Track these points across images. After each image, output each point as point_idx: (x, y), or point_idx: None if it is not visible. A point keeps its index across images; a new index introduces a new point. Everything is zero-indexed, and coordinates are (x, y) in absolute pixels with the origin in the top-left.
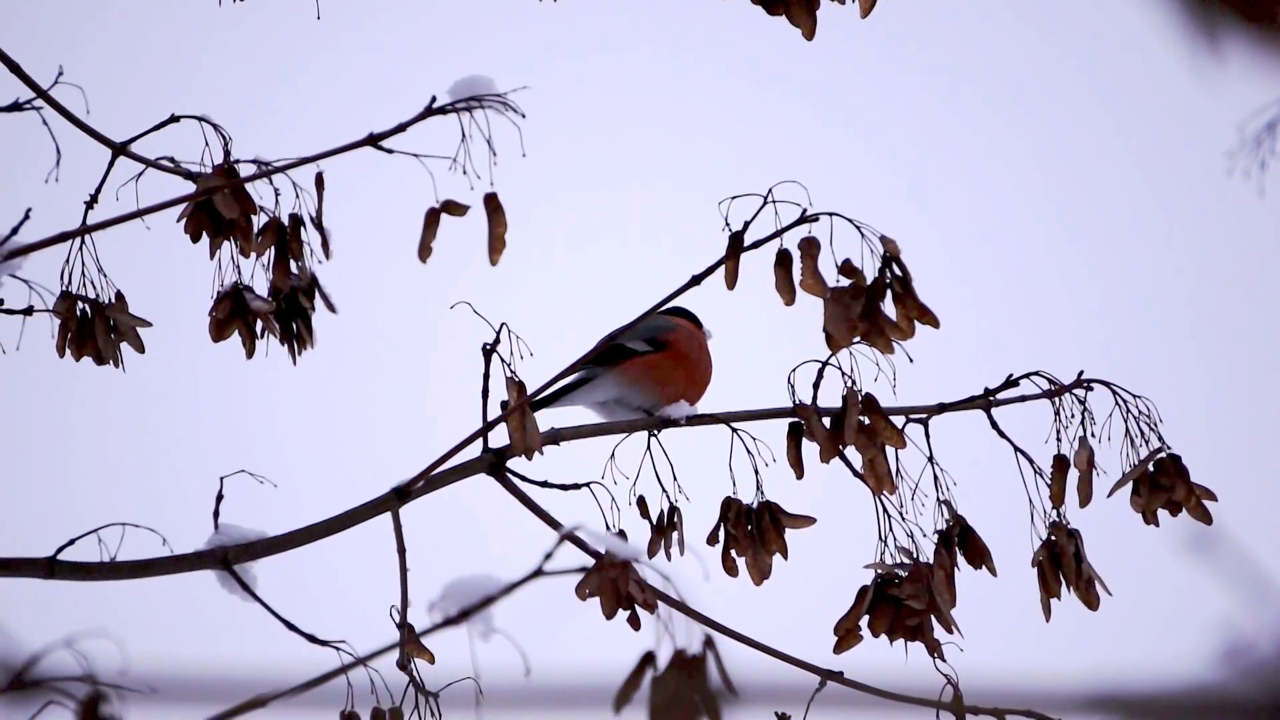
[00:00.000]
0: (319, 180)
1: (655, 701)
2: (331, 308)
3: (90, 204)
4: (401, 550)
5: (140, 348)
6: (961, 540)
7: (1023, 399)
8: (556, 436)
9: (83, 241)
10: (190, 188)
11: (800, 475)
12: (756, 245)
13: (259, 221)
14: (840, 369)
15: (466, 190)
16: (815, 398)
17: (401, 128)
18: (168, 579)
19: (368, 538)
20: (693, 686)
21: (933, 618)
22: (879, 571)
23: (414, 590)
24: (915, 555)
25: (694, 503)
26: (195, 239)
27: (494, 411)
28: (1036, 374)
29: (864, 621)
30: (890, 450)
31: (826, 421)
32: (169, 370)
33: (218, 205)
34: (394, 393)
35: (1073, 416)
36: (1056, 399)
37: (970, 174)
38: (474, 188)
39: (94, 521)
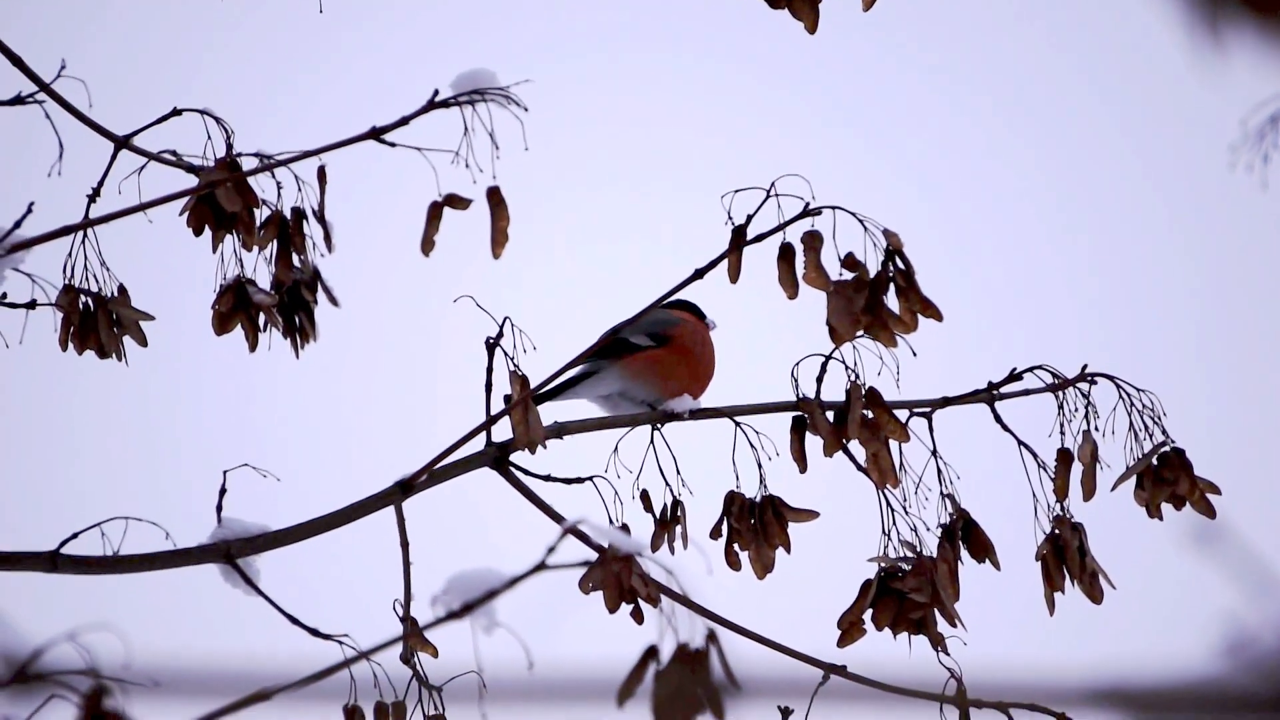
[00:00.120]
0: (321, 174)
1: (658, 695)
2: (334, 301)
3: (93, 198)
4: (405, 544)
5: (143, 341)
6: (965, 534)
7: (1026, 393)
8: (560, 430)
9: (85, 235)
10: (193, 181)
11: (803, 469)
12: (759, 239)
13: (261, 215)
14: (843, 363)
15: (469, 184)
16: (819, 391)
17: (404, 121)
18: (171, 573)
19: (371, 531)
20: (696, 681)
21: (936, 612)
22: (882, 565)
23: (417, 584)
24: (919, 549)
25: (697, 497)
26: (198, 232)
27: (497, 405)
28: (1040, 368)
29: (867, 615)
30: (894, 444)
31: (830, 415)
32: (172, 364)
33: (220, 199)
34: (397, 386)
35: (1076, 410)
36: (1060, 393)
37: (973, 167)
38: (476, 181)
39: (97, 515)
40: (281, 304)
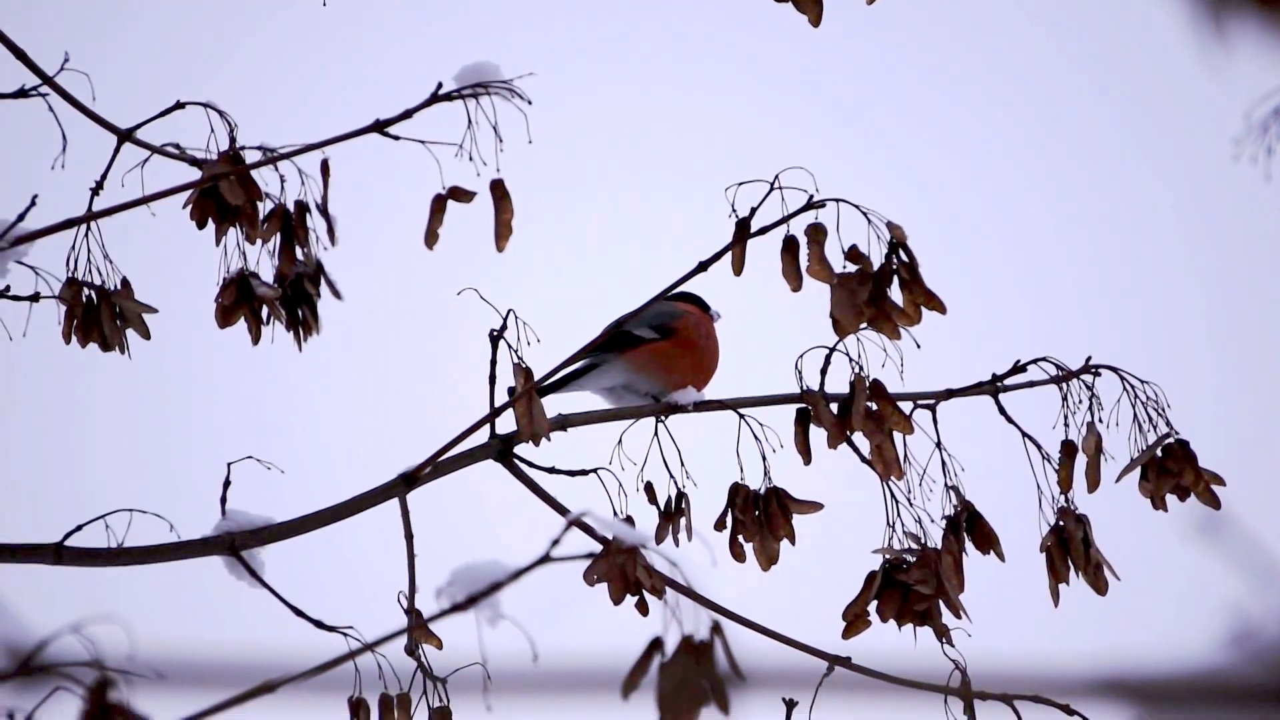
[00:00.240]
0: (325, 167)
1: (663, 687)
2: (337, 294)
3: (96, 190)
4: (409, 536)
5: (146, 334)
6: (969, 525)
7: (1030, 385)
8: (564, 422)
9: (88, 228)
10: (196, 174)
11: (808, 461)
12: (763, 231)
13: (265, 208)
14: (847, 355)
15: (473, 177)
16: (823, 383)
17: (408, 114)
18: (175, 565)
19: (375, 524)
20: (700, 672)
21: (941, 603)
22: (887, 557)
23: (422, 576)
24: (923, 541)
25: (701, 488)
26: (201, 225)
27: (501, 398)
28: (1044, 360)
29: (872, 607)
30: (898, 436)
31: (834, 407)
32: (175, 357)
33: (223, 192)
34: (401, 379)
35: (1080, 402)
36: (1064, 385)
37: (976, 160)
38: (480, 174)
39: (101, 507)
40: (284, 297)
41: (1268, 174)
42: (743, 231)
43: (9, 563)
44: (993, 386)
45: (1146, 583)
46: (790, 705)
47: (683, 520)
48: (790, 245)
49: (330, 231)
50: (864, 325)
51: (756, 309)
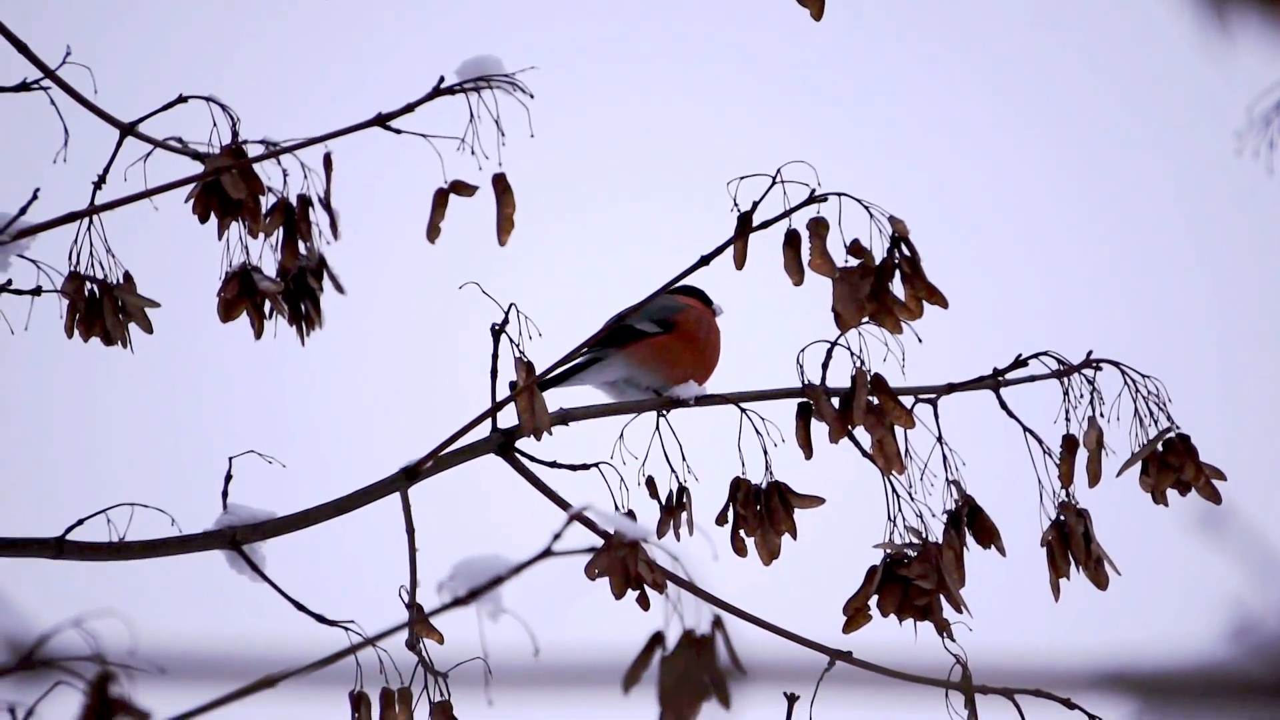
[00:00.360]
0: (327, 161)
1: (664, 681)
2: (340, 288)
3: (98, 184)
4: (410, 530)
5: (148, 328)
6: (970, 520)
7: (1031, 379)
8: (565, 417)
9: (91, 222)
10: (198, 168)
11: (809, 455)
12: (765, 225)
13: (267, 202)
14: (849, 349)
15: (475, 171)
16: (824, 378)
17: (410, 108)
18: (176, 559)
19: (376, 518)
20: (702, 666)
21: (942, 597)
22: (888, 551)
23: (423, 570)
24: (924, 535)
25: (703, 483)
26: (203, 219)
27: (503, 392)
28: (1045, 354)
29: (873, 601)
30: (899, 430)
31: (835, 401)
32: (177, 351)
33: (226, 186)
34: (403, 373)
35: (1081, 396)
36: (1065, 379)
37: (978, 154)
38: (482, 168)
39: (103, 502)
40: (287, 291)
41: (1270, 168)
42: (745, 226)
43: (10, 556)
44: (994, 381)
45: (1147, 577)
46: (791, 700)
47: (684, 515)
48: (792, 239)
49: (333, 225)
50: (866, 319)
51: (758, 303)
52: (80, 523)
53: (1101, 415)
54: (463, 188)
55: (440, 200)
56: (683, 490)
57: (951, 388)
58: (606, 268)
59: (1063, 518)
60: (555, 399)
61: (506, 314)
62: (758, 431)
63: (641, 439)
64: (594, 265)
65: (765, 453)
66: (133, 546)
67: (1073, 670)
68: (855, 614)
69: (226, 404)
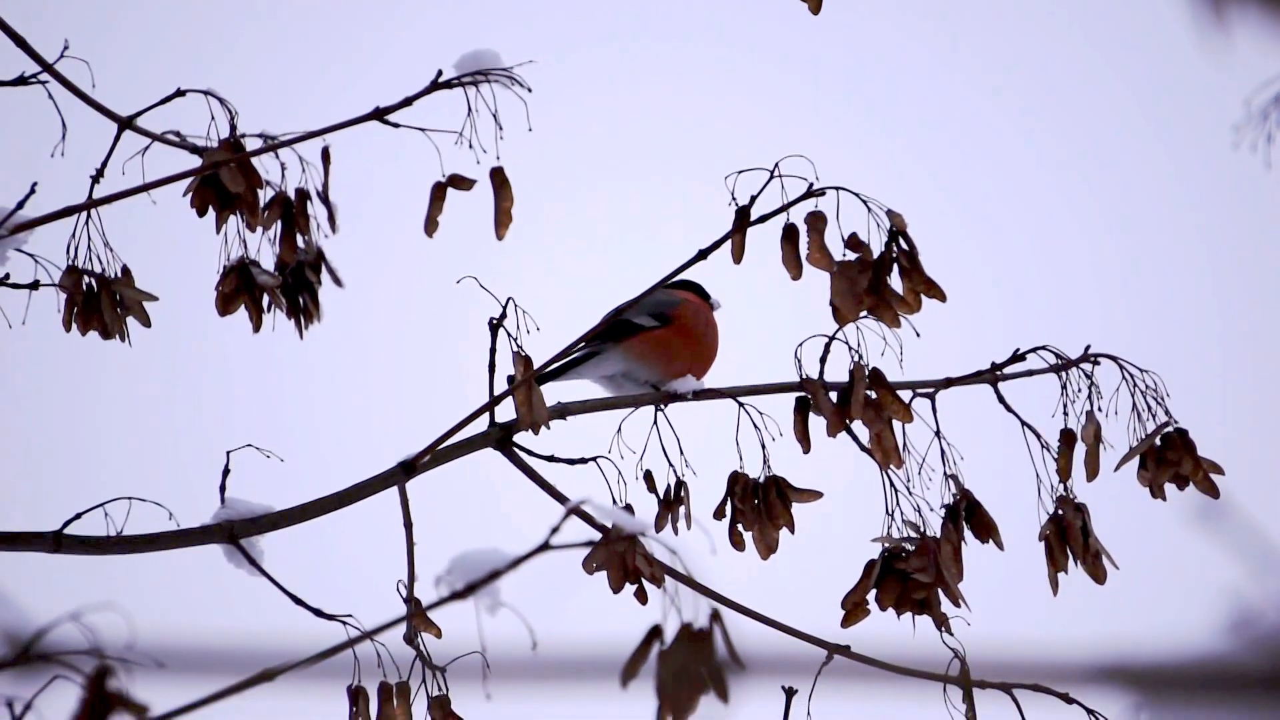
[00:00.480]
0: (325, 154)
1: (662, 675)
2: (338, 282)
3: (96, 178)
4: (408, 524)
5: (146, 322)
6: (969, 514)
7: (1030, 373)
8: (563, 411)
9: (89, 216)
10: (196, 162)
11: (807, 449)
12: (763, 219)
13: (265, 196)
14: (847, 343)
15: (473, 165)
16: (822, 372)
17: (408, 102)
18: (174, 553)
19: (374, 512)
20: (700, 660)
21: (940, 591)
22: (886, 545)
23: (421, 564)
24: (922, 529)
25: (701, 477)
26: (201, 213)
27: (500, 386)
28: (1043, 348)
29: (871, 595)
30: (897, 424)
31: (833, 396)
32: (175, 345)
33: (224, 179)
34: (401, 367)
35: (1080, 391)
36: (1063, 373)
37: (975, 148)
38: (480, 162)
39: (101, 496)
40: (285, 285)
41: (1268, 161)
42: (742, 219)
43: (8, 550)
44: (992, 375)
45: (1145, 572)
46: (789, 693)
47: (682, 508)
48: (790, 233)
49: (331, 219)
50: (864, 313)
51: (756, 297)
52: (78, 516)
53: (1100, 409)
54: (461, 182)
55: (438, 194)
56: (681, 484)
57: (949, 382)
58: (604, 262)
59: (1061, 512)
60: (553, 393)
61: (504, 308)
62: (755, 426)
63: (639, 433)
64: (592, 259)
65: (763, 447)
66: (131, 540)
67: (1071, 664)
68: (853, 608)
69: (224, 398)
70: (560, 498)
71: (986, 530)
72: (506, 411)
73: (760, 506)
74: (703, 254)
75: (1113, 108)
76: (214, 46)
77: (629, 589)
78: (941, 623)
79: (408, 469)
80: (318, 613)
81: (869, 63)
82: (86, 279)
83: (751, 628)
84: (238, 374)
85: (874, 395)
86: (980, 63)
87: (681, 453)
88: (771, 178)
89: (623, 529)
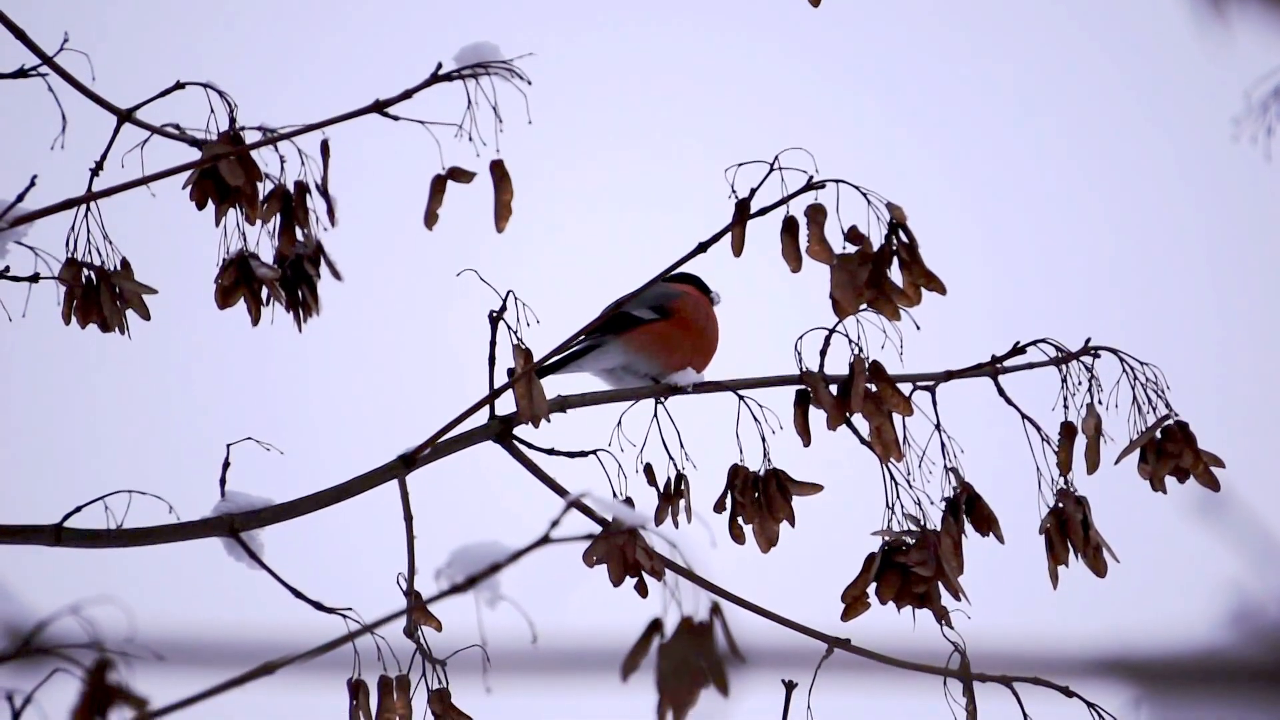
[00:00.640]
0: (325, 147)
1: (662, 668)
2: (337, 275)
3: (95, 171)
4: (408, 517)
5: (146, 315)
6: (969, 507)
7: (1030, 366)
8: (563, 404)
9: (88, 208)
10: (196, 155)
11: (807, 442)
12: (763, 212)
13: (264, 189)
14: (847, 336)
15: (472, 157)
16: (822, 365)
17: (407, 94)
18: (174, 546)
19: (374, 505)
20: (700, 654)
21: (940, 585)
22: (886, 539)
23: (421, 557)
24: (923, 522)
25: (701, 470)
26: (201, 206)
27: (500, 378)
28: (1044, 341)
29: (872, 589)
30: (897, 417)
31: (834, 389)
32: (175, 337)
33: (223, 172)
34: (400, 360)
35: (1080, 383)
36: (1064, 366)
37: (976, 140)
38: (480, 155)
39: (101, 489)
40: (284, 278)
41: (1268, 154)
42: (742, 212)
43: (8, 543)
44: (992, 368)
45: (1146, 564)
46: (790, 687)
47: (682, 502)
48: (790, 226)
49: (330, 212)
50: (863, 306)
51: (756, 290)
52: (78, 509)
53: (1100, 402)
54: (460, 174)
55: (438, 187)
56: (681, 477)
57: (950, 375)
58: (604, 254)
59: (1061, 505)
60: (553, 386)
61: (504, 301)
62: (756, 419)
63: (639, 426)
64: (592, 252)
65: (763, 440)
66: (131, 533)
67: (1071, 657)
68: (854, 601)
69: (224, 391)
70: (560, 491)
71: (987, 523)
72: (506, 404)
73: (760, 499)
74: (703, 247)
75: (1113, 100)
76: (214, 39)
77: (629, 582)
78: (942, 616)
79: (408, 462)
80: (318, 606)
81: (869, 55)
82: (86, 272)
83: (752, 621)
84: (237, 367)
85: (874, 388)
86: (980, 55)
87: (682, 446)
88: (771, 170)
89: (623, 522)
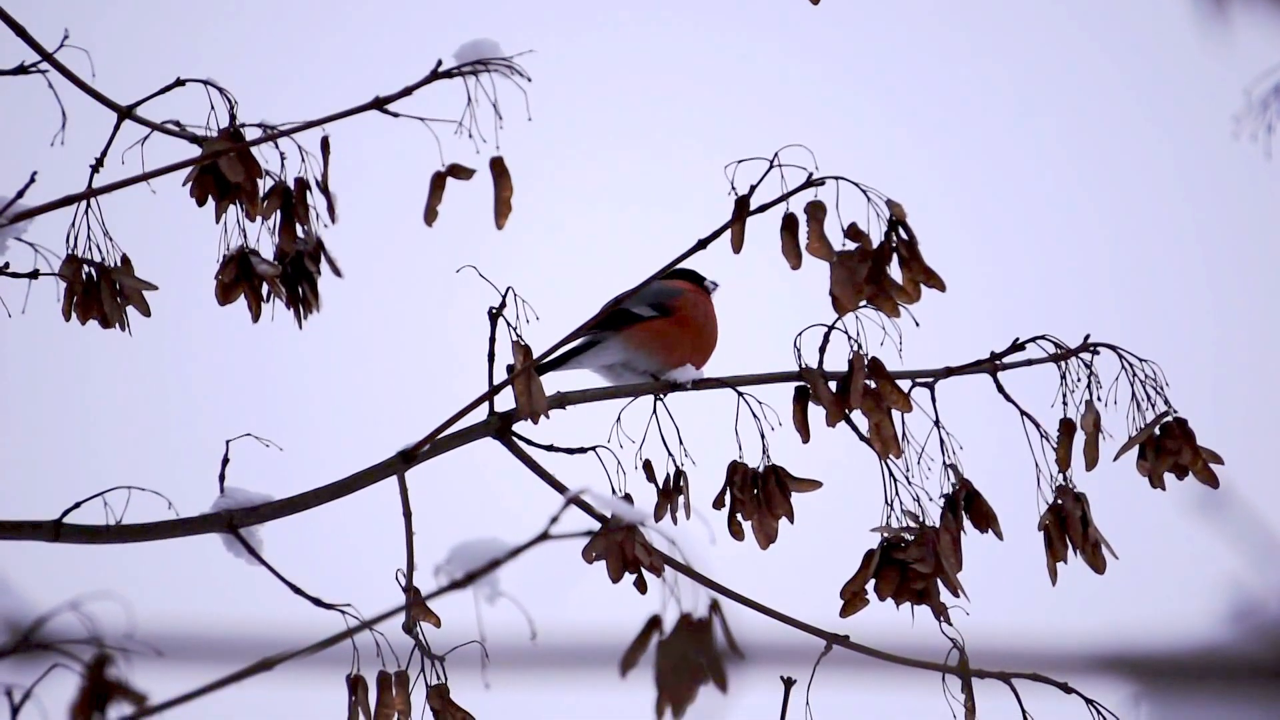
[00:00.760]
0: (325, 144)
1: (661, 664)
2: (337, 272)
3: (96, 167)
4: (407, 513)
5: (146, 311)
6: (968, 504)
7: (1029, 363)
8: (562, 400)
9: (88, 205)
10: (196, 151)
11: (806, 439)
12: (763, 209)
13: (265, 185)
14: (846, 333)
15: (472, 154)
16: (821, 361)
17: (407, 91)
18: (174, 542)
19: (373, 501)
20: (699, 650)
21: (939, 581)
22: (885, 535)
23: (420, 553)
24: (921, 519)
25: (700, 466)
26: (201, 203)
27: (500, 375)
28: (1043, 338)
29: (870, 585)
30: (897, 414)
31: (833, 385)
32: (175, 334)
33: (223, 169)
34: (400, 357)
35: (1079, 380)
36: (1063, 363)
37: (975, 137)
38: (480, 152)
39: (100, 484)
40: (284, 274)
41: (1268, 151)
42: (742, 209)
43: (7, 539)
44: (991, 365)
45: (1145, 561)
46: (788, 683)
47: (681, 498)
48: (790, 223)
49: (330, 209)
50: (863, 303)
51: (756, 287)
52: (77, 505)
53: (1099, 399)
54: (460, 171)
55: (438, 184)
56: (680, 474)
57: (949, 371)
58: (604, 251)
59: (1060, 501)
60: (552, 382)
61: (504, 297)
62: (755, 415)
63: (639, 422)
64: (591, 249)
65: (762, 436)
66: (130, 529)
67: (1070, 654)
68: (852, 598)
69: (224, 387)
70: (559, 487)
71: (985, 520)
72: (506, 401)
73: (759, 496)
74: (702, 243)
75: (1113, 97)
76: (214, 36)
77: (628, 578)
78: (940, 612)
79: (407, 458)
80: (317, 602)
81: (868, 53)
82: (86, 268)
83: (750, 617)
84: (237, 363)
85: (873, 385)
86: (980, 53)
87: (681, 442)
88: (771, 167)
89: (622, 518)
